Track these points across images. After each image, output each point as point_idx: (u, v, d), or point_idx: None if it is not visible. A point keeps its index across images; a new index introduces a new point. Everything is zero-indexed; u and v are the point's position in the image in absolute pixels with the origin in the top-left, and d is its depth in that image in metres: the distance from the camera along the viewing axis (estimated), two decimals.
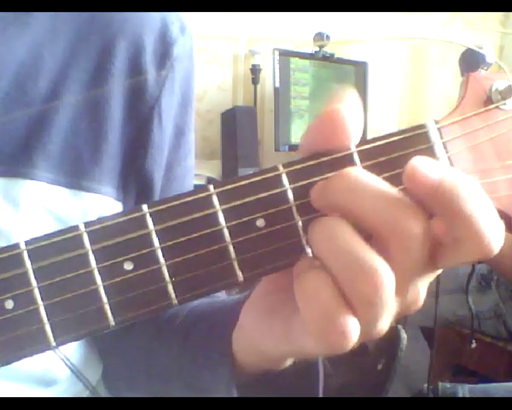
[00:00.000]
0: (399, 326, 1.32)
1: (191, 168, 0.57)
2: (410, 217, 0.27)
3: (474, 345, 1.47)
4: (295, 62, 2.00)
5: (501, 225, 0.28)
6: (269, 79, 2.07)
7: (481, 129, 0.31)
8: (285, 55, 1.96)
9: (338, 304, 0.27)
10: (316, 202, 0.30)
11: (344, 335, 0.27)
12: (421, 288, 0.30)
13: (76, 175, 0.46)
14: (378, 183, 0.28)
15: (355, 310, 0.28)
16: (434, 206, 0.28)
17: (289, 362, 0.37)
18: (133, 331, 0.51)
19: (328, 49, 2.02)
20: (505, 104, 0.31)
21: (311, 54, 2.02)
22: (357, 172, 0.28)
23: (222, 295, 0.50)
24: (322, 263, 0.28)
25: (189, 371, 0.45)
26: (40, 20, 0.46)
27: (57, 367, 0.47)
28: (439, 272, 0.30)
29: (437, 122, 0.31)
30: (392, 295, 0.27)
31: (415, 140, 0.31)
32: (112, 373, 0.54)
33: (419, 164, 0.28)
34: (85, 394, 0.51)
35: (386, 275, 0.27)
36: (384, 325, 0.29)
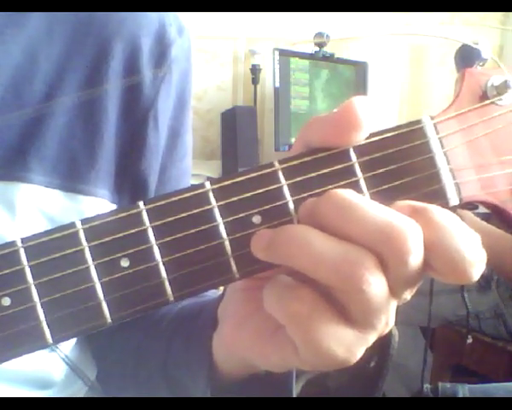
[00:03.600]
0: None
1: (187, 170, 0.56)
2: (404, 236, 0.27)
3: (469, 340, 1.47)
4: (295, 62, 1.99)
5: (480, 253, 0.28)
6: (269, 79, 2.07)
7: (477, 124, 0.31)
8: (285, 55, 1.96)
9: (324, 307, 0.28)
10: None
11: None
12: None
13: (71, 178, 0.46)
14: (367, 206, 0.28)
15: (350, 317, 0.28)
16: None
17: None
18: (125, 333, 0.51)
19: (328, 49, 2.02)
20: (501, 100, 0.32)
21: (311, 54, 2.02)
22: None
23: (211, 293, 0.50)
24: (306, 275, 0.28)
25: (172, 377, 0.45)
26: (36, 23, 0.45)
27: (53, 369, 0.47)
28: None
29: (432, 118, 0.31)
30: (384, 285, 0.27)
31: (410, 136, 0.31)
32: (105, 375, 0.54)
33: None
34: (80, 395, 0.51)
35: (369, 261, 0.27)
36: (383, 318, 0.29)
